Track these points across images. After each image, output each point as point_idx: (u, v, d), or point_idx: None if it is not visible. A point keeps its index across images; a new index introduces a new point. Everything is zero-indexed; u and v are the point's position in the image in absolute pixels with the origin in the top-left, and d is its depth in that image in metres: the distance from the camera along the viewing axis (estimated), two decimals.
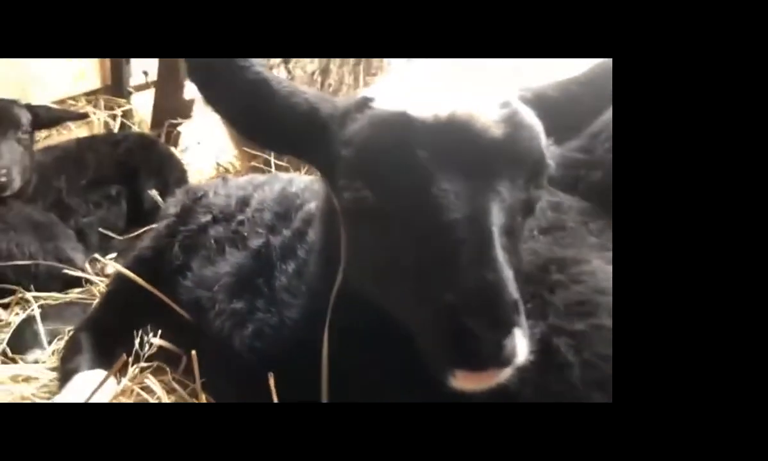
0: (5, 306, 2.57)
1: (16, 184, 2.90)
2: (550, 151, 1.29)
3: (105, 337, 2.19)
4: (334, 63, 4.13)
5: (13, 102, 3.04)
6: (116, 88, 4.46)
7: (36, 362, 2.22)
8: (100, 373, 1.96)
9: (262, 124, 1.36)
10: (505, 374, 1.10)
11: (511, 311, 1.05)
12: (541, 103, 1.38)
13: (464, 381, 1.09)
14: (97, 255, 2.87)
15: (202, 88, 1.34)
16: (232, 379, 1.73)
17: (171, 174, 3.57)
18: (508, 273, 1.09)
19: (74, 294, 2.66)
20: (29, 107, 3.09)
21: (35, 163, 3.17)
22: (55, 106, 3.41)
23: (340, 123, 1.30)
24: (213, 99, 1.36)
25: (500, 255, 1.10)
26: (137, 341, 1.74)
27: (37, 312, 2.39)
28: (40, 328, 2.34)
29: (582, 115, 1.46)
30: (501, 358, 1.06)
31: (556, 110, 1.41)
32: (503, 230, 1.15)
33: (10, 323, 2.46)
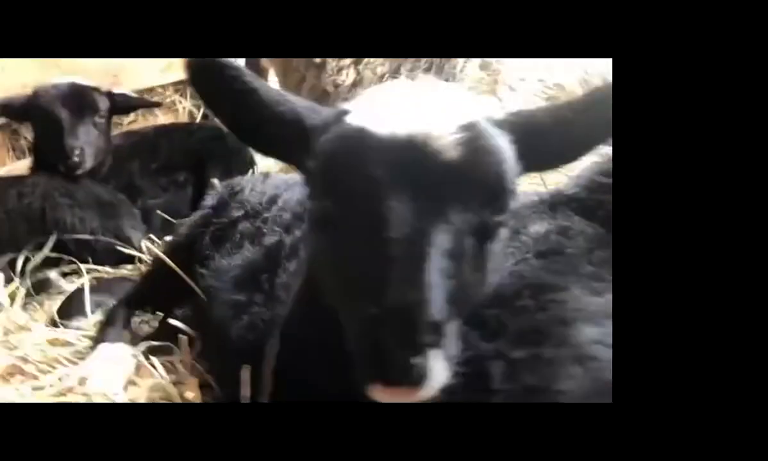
0: (64, 275, 2.79)
1: (88, 164, 3.14)
2: (514, 177, 1.27)
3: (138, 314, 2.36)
4: (405, 66, 4.15)
5: (94, 88, 3.29)
6: None
7: (77, 329, 2.41)
8: (121, 347, 2.12)
9: (252, 130, 1.43)
10: (426, 393, 1.11)
11: (426, 332, 1.07)
12: (527, 126, 1.37)
13: (381, 394, 1.12)
14: (152, 236, 3.06)
15: (197, 90, 1.42)
16: (229, 367, 1.81)
17: (237, 166, 3.73)
18: (435, 296, 1.10)
19: (126, 270, 2.85)
20: (108, 94, 3.33)
21: (112, 146, 3.43)
22: (134, 94, 3.65)
23: (319, 133, 1.34)
24: (206, 101, 1.44)
25: (432, 277, 1.12)
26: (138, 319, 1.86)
27: (86, 283, 2.59)
28: (87, 298, 2.53)
29: (574, 142, 1.42)
30: (412, 376, 1.08)
31: (544, 135, 1.39)
32: (446, 253, 1.16)
33: (64, 291, 2.67)
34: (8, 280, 2.61)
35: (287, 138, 1.41)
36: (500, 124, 1.34)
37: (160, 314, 2.33)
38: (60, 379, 1.97)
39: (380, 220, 1.17)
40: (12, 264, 2.68)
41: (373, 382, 1.12)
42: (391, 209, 1.17)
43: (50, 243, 2.77)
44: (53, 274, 2.75)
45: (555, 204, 1.91)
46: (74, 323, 2.46)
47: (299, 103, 1.43)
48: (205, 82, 1.42)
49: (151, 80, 4.51)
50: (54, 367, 2.08)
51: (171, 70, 4.60)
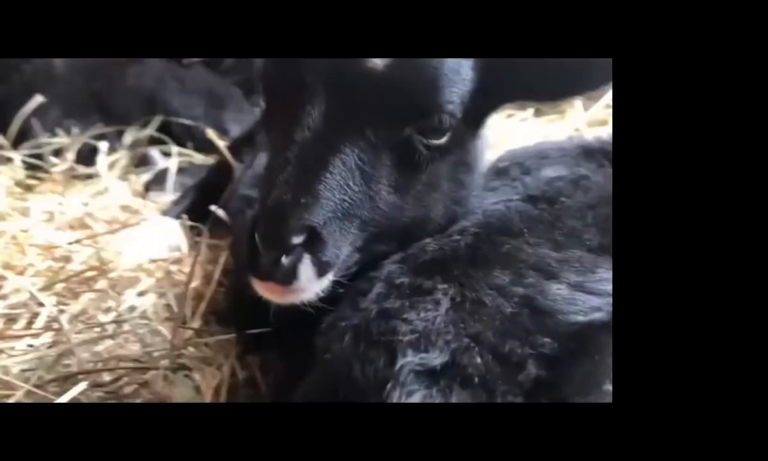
0: (164, 154, 3.04)
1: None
2: (453, 98, 1.17)
3: (201, 198, 2.53)
4: None
5: None
6: None
7: (154, 202, 2.65)
8: (170, 222, 2.30)
9: None
10: (298, 294, 1.11)
11: (294, 234, 1.06)
12: None
13: (257, 288, 1.14)
14: None
15: None
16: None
17: None
18: (316, 201, 1.09)
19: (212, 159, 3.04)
20: None
21: None
22: None
23: None
24: None
25: (319, 183, 1.10)
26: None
27: (175, 164, 2.82)
28: (172, 176, 2.76)
29: (561, 75, 1.28)
30: (277, 274, 1.09)
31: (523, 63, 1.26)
32: (348, 164, 1.12)
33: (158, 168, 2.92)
34: (114, 150, 2.91)
35: None
36: None
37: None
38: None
39: (294, 122, 1.16)
40: (120, 136, 2.98)
41: (250, 275, 1.14)
42: (305, 112, 1.15)
43: (155, 123, 3.02)
44: (153, 151, 3.01)
45: (594, 151, 1.74)
46: (154, 196, 2.71)
47: None
48: None
49: None
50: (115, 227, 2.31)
51: None
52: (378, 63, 1.16)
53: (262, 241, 1.09)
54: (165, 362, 1.56)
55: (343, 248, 1.15)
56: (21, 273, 1.87)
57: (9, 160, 2.60)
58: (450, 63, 1.20)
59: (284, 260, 1.08)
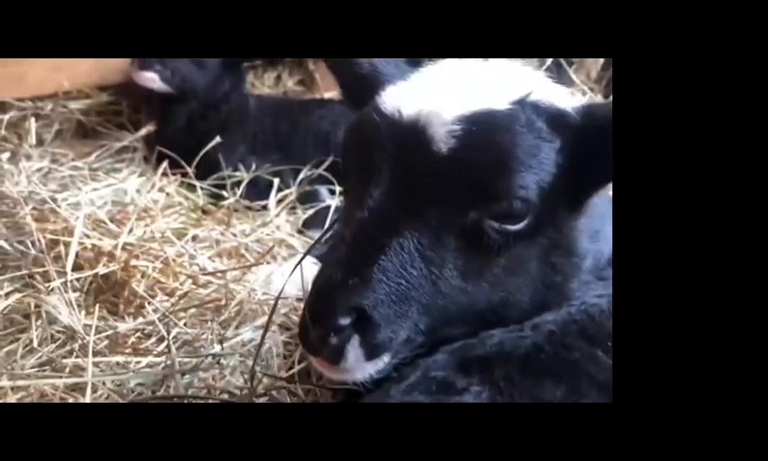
0: (331, 192, 3.19)
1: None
2: (524, 183, 1.09)
3: None
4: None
5: None
6: None
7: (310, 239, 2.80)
8: (310, 262, 2.40)
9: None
10: (350, 374, 1.09)
11: (338, 314, 1.04)
12: (591, 127, 1.14)
13: (313, 361, 1.13)
14: None
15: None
16: None
17: None
18: (366, 283, 1.07)
19: None
20: None
21: None
22: None
23: None
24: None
25: (374, 266, 1.07)
26: None
27: (335, 203, 2.96)
28: (330, 216, 2.90)
29: None
30: (324, 352, 1.09)
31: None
32: (409, 249, 1.09)
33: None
34: (287, 186, 3.13)
35: None
36: (554, 121, 1.15)
37: None
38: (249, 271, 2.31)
39: (357, 196, 1.16)
40: (295, 174, 3.20)
41: (302, 347, 1.15)
42: (367, 193, 1.14)
43: (326, 163, 3.19)
44: (322, 189, 3.19)
45: None
46: (310, 233, 2.87)
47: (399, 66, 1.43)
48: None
49: None
50: (260, 261, 2.46)
51: None
52: (442, 145, 1.12)
53: (311, 318, 1.09)
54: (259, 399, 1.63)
55: (399, 332, 1.11)
56: (170, 295, 2.08)
57: (192, 187, 2.93)
58: (525, 146, 1.11)
59: (332, 339, 1.07)
